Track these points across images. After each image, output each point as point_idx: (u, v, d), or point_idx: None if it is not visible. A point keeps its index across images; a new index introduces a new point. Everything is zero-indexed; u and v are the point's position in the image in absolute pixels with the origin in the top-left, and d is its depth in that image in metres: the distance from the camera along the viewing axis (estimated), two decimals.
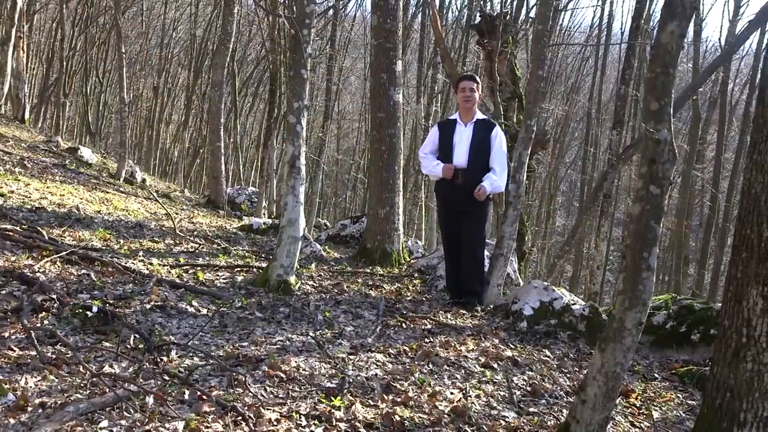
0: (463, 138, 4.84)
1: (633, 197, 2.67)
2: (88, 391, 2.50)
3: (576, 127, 25.50)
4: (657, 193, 2.59)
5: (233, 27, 11.04)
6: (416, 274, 5.78)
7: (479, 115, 4.94)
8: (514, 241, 5.10)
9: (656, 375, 4.10)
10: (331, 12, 17.68)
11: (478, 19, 8.41)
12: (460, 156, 4.81)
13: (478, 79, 5.07)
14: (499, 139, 4.84)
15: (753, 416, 2.31)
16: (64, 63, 18.30)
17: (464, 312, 4.66)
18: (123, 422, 2.29)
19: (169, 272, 4.55)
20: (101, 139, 23.73)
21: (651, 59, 2.73)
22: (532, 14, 11.01)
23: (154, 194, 8.69)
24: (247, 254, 5.71)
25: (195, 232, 6.41)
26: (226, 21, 10.90)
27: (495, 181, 4.75)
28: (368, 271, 5.74)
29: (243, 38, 21.94)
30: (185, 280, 4.47)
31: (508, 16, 8.38)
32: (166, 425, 2.32)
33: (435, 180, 5.03)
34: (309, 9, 4.68)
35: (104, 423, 2.26)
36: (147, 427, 2.27)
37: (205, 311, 3.86)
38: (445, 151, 4.87)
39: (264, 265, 4.96)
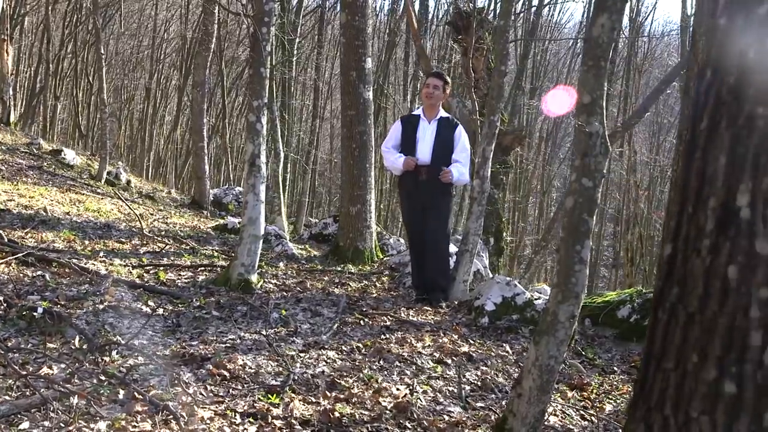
0: (426, 134, 4.85)
1: (566, 190, 2.66)
2: (18, 393, 2.49)
3: (570, 123, 25.43)
4: (589, 186, 2.58)
5: (214, 28, 11.01)
6: (386, 272, 5.78)
7: (443, 113, 4.96)
8: (479, 236, 5.10)
9: (615, 368, 4.09)
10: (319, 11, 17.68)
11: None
12: (424, 152, 4.81)
13: (447, 78, 5.08)
14: (462, 137, 4.88)
15: None
16: (51, 65, 18.27)
17: (428, 308, 4.65)
18: (46, 423, 2.28)
19: (130, 272, 4.54)
20: (93, 141, 23.67)
21: (583, 52, 2.73)
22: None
23: (119, 194, 8.65)
24: (215, 253, 5.70)
25: (165, 233, 6.40)
26: (207, 21, 10.88)
27: (461, 168, 4.79)
28: (338, 269, 5.73)
29: (233, 38, 21.89)
30: (146, 280, 4.46)
31: (484, 13, 8.36)
32: (91, 425, 2.31)
33: (398, 176, 5.03)
34: (268, 7, 4.66)
35: (25, 425, 2.24)
36: (70, 428, 2.26)
37: (161, 311, 3.85)
38: (408, 147, 4.86)
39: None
